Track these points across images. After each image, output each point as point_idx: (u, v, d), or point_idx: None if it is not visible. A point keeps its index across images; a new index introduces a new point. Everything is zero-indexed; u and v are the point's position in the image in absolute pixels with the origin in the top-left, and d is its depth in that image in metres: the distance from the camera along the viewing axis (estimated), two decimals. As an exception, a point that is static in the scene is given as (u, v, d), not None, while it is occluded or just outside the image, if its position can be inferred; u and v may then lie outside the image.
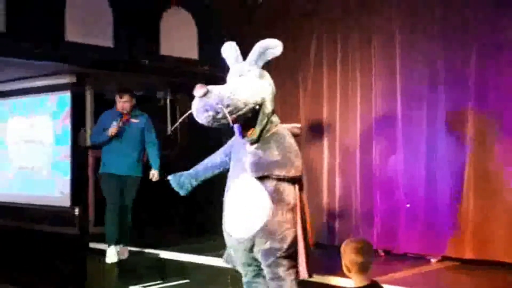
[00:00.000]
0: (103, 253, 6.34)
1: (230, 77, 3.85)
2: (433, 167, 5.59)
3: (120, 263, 5.84)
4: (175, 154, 7.91)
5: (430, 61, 5.64)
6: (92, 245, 6.67)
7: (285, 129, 3.84)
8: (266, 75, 3.89)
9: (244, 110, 3.58)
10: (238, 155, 3.85)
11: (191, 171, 4.05)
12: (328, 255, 6.09)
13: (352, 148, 6.22)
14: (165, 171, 8.01)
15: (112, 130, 5.84)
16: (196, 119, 3.58)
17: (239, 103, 3.55)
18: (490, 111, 5.28)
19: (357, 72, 6.20)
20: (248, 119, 3.68)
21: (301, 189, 3.86)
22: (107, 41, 6.59)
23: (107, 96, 8.62)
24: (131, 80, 7.74)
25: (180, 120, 3.96)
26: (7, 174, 8.43)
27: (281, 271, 3.74)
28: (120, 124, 5.86)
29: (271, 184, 3.70)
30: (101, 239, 6.68)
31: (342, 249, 2.93)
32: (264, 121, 3.74)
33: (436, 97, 5.58)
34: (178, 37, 7.25)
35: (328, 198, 6.41)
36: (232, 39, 4.00)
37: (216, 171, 4.01)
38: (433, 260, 5.55)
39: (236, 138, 3.89)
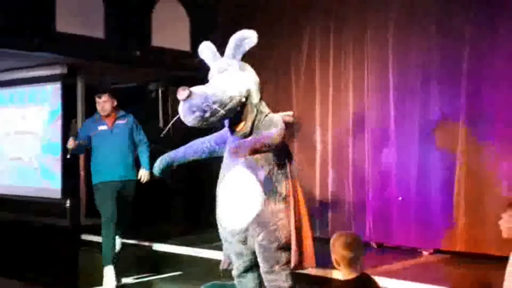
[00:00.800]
0: (95, 245, 6.32)
1: (211, 75, 3.82)
2: (425, 161, 5.61)
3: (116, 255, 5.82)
4: (169, 147, 7.88)
5: (423, 56, 5.65)
6: (84, 236, 6.66)
7: (276, 116, 3.82)
8: (247, 66, 3.86)
9: (231, 104, 3.56)
10: (230, 145, 3.80)
11: (172, 153, 4.06)
12: (321, 248, 6.13)
13: (345, 142, 6.23)
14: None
15: (70, 144, 5.32)
16: (185, 122, 3.54)
17: (224, 97, 3.52)
18: (483, 106, 5.30)
19: (350, 66, 6.21)
20: (237, 113, 3.67)
21: (293, 177, 3.82)
22: (98, 33, 6.55)
23: (99, 88, 8.59)
24: (122, 72, 7.70)
25: (169, 125, 3.95)
26: (1, 166, 8.39)
27: (275, 264, 3.75)
28: (73, 143, 5.32)
29: (262, 174, 3.71)
30: (93, 231, 6.67)
31: (331, 243, 2.96)
32: (254, 113, 3.73)
33: (428, 91, 5.60)
34: (170, 29, 7.21)
35: (321, 191, 6.43)
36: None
37: (202, 156, 4.01)
38: (425, 253, 5.59)
39: (229, 134, 3.89)
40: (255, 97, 3.77)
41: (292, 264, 3.73)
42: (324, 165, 6.41)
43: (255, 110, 3.74)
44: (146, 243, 6.18)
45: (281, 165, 3.75)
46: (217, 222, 3.87)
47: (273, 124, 3.70)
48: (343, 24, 6.26)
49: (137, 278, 5.53)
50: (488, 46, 5.26)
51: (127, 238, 6.35)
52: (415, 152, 5.68)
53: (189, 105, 3.48)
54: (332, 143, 6.35)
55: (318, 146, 6.46)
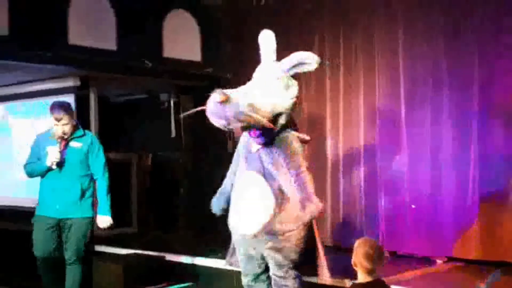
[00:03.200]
0: (109, 256, 6.34)
1: (258, 72, 3.85)
2: (438, 168, 5.57)
3: (126, 266, 5.82)
4: (180, 156, 7.92)
5: (433, 61, 5.63)
6: (98, 247, 6.68)
7: (293, 135, 3.85)
8: (293, 86, 3.83)
9: (257, 120, 3.58)
10: (246, 153, 3.89)
11: (224, 195, 4.09)
12: (332, 257, 6.10)
13: (356, 149, 6.20)
14: (162, 179, 8.04)
15: (52, 157, 4.51)
16: (209, 118, 3.58)
17: (252, 120, 3.55)
18: (495, 111, 5.26)
19: (360, 72, 6.19)
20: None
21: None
22: (110, 44, 6.59)
23: (111, 99, 8.66)
24: (134, 83, 7.75)
25: (192, 111, 3.91)
26: (13, 178, 8.44)
27: (285, 269, 3.74)
28: (61, 148, 4.58)
29: (277, 183, 3.73)
30: (107, 242, 6.69)
31: (355, 246, 3.02)
32: (275, 131, 3.75)
33: (440, 97, 5.57)
34: (181, 40, 7.25)
35: (332, 199, 6.40)
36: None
37: None
38: (439, 261, 5.54)
39: (246, 136, 3.89)
40: (284, 119, 3.78)
41: (320, 277, 3.76)
42: (335, 172, 6.39)
43: (278, 128, 3.76)
44: (159, 253, 6.18)
45: (296, 175, 3.76)
46: (229, 225, 3.93)
47: (289, 142, 3.76)
48: (353, 29, 6.25)
49: (149, 289, 5.54)
50: (500, 50, 5.23)
51: (139, 249, 6.37)
52: (427, 159, 5.65)
53: (220, 111, 3.48)
54: (343, 150, 6.33)
55: (329, 153, 6.44)
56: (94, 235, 7.29)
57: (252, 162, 3.82)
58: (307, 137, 3.96)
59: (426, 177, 5.64)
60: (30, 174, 4.84)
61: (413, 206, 5.70)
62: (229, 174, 4.11)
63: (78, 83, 7.41)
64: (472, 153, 5.36)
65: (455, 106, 5.48)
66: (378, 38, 6.04)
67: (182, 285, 5.65)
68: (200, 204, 7.64)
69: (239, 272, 4.15)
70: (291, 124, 3.89)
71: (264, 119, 3.58)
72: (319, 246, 3.81)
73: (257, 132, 3.71)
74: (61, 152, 4.57)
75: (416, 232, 5.68)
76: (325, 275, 3.77)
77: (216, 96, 3.47)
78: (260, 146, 3.81)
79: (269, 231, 3.71)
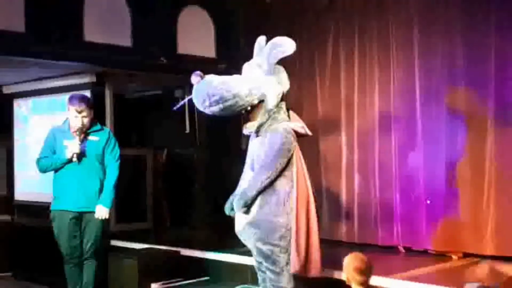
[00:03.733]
0: (124, 250, 6.39)
1: (243, 69, 4.01)
2: (454, 163, 5.54)
3: (141, 261, 5.87)
4: (195, 152, 7.94)
5: (449, 56, 5.59)
6: (114, 242, 6.73)
7: (285, 128, 3.83)
8: (280, 72, 3.90)
9: (232, 101, 3.70)
10: (249, 148, 4.02)
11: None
12: (346, 252, 6.09)
13: (371, 144, 6.19)
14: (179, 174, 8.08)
15: (72, 148, 4.54)
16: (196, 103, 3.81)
17: (226, 93, 3.67)
18: (511, 107, 5.22)
19: (375, 67, 6.17)
20: (250, 112, 3.82)
21: (299, 181, 3.82)
22: (126, 41, 6.63)
23: (126, 95, 8.70)
24: (149, 79, 7.79)
25: (182, 103, 4.21)
26: (28, 173, 8.52)
27: (276, 264, 3.75)
28: (81, 140, 4.60)
29: None
30: (122, 237, 6.74)
31: (344, 263, 3.21)
32: (265, 117, 3.81)
33: (456, 93, 5.53)
34: (196, 36, 7.27)
35: (347, 195, 6.39)
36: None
37: None
38: (454, 257, 5.51)
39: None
40: (270, 103, 3.81)
41: (292, 270, 3.74)
42: (350, 168, 6.38)
43: (266, 115, 3.79)
44: (173, 248, 6.22)
45: (284, 169, 3.79)
46: None
47: (274, 135, 3.78)
48: (367, 25, 6.22)
49: (164, 284, 5.57)
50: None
51: (154, 243, 6.41)
52: (442, 155, 5.61)
53: (195, 90, 3.73)
54: (358, 146, 6.31)
55: (344, 149, 6.43)
56: (111, 230, 7.40)
57: (248, 157, 3.95)
58: (303, 130, 3.92)
59: (442, 173, 5.61)
60: (44, 169, 4.83)
61: (428, 202, 5.68)
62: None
63: (93, 79, 7.47)
64: (488, 150, 5.31)
65: (471, 103, 5.44)
66: (394, 33, 6.01)
67: (197, 280, 5.67)
68: (215, 199, 7.70)
69: (253, 267, 4.18)
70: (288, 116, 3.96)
71: (241, 92, 3.68)
72: (300, 238, 3.77)
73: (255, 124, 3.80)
74: (81, 145, 4.59)
75: (431, 227, 5.66)
76: (293, 267, 3.76)
77: (192, 78, 3.72)
78: (258, 141, 3.87)
79: (253, 224, 3.78)
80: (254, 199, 3.72)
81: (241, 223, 3.86)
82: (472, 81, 5.45)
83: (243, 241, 3.99)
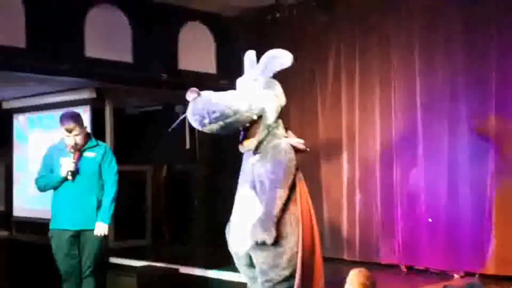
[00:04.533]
0: (123, 267, 6.33)
1: (238, 84, 3.85)
2: (455, 182, 5.51)
3: (140, 278, 5.80)
4: (195, 168, 7.92)
5: (450, 74, 5.59)
6: (112, 259, 6.67)
7: (287, 144, 3.73)
8: (275, 86, 3.80)
9: (233, 118, 3.54)
10: (244, 166, 3.84)
11: None
12: (348, 270, 6.04)
13: (372, 162, 6.16)
14: (185, 187, 8.08)
15: (66, 166, 4.47)
16: (191, 121, 3.64)
17: (227, 110, 3.51)
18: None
19: (376, 85, 6.16)
20: (248, 128, 3.65)
21: (302, 202, 3.73)
22: (126, 57, 6.64)
23: (127, 111, 8.69)
24: (149, 95, 7.78)
25: (177, 122, 3.98)
26: (27, 189, 8.49)
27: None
28: (75, 158, 4.51)
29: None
30: (121, 253, 6.69)
31: (349, 279, 3.12)
32: (264, 133, 3.67)
33: (457, 111, 5.52)
34: (197, 52, 7.28)
35: (348, 213, 6.35)
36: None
37: None
38: (456, 276, 5.46)
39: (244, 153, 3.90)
40: (270, 118, 3.69)
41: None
42: (351, 186, 6.34)
43: (266, 131, 3.67)
44: (172, 266, 6.16)
45: (270, 190, 3.64)
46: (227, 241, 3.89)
47: (277, 151, 3.65)
48: (368, 42, 6.22)
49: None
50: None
51: (153, 261, 6.36)
52: (444, 172, 5.59)
53: (193, 107, 3.54)
54: (359, 163, 6.28)
55: (345, 167, 6.40)
56: (109, 248, 7.35)
57: (246, 175, 3.76)
58: (302, 146, 3.82)
59: (443, 191, 5.58)
60: (43, 188, 4.77)
61: (430, 220, 5.64)
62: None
63: (93, 95, 7.47)
64: (489, 168, 5.29)
65: (473, 120, 5.42)
66: (395, 51, 6.01)
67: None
68: (215, 215, 7.66)
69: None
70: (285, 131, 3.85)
71: (241, 108, 3.55)
72: (315, 264, 3.70)
73: (242, 136, 3.68)
74: (75, 163, 4.53)
75: (433, 246, 5.62)
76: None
77: (188, 95, 3.54)
78: (256, 158, 3.72)
79: (260, 247, 3.61)
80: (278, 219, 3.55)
81: (244, 246, 3.69)
82: (473, 100, 5.43)
83: (243, 264, 3.80)
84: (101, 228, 4.61)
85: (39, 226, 7.77)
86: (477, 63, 5.42)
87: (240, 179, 3.86)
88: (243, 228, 3.69)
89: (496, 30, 5.30)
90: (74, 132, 4.54)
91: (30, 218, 8.28)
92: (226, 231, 3.96)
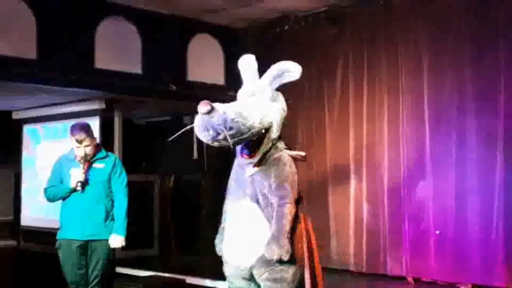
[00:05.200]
0: (129, 277, 6.34)
1: (242, 94, 3.72)
2: (463, 194, 5.51)
3: (146, 288, 5.83)
4: (202, 178, 7.93)
5: (458, 87, 5.60)
6: (119, 269, 6.68)
7: (288, 157, 3.67)
8: (280, 98, 3.74)
9: (247, 135, 3.44)
10: (239, 178, 3.71)
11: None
12: (356, 282, 6.03)
13: (380, 174, 6.16)
14: (192, 197, 8.10)
15: (76, 177, 4.45)
16: (197, 135, 3.45)
17: (242, 127, 3.40)
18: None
19: (384, 97, 6.18)
20: (252, 141, 3.55)
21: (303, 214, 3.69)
22: (136, 68, 6.69)
23: (135, 121, 8.74)
24: (158, 106, 7.83)
25: (179, 133, 3.82)
26: (35, 198, 8.55)
27: None
28: (85, 169, 4.49)
29: (271, 211, 3.56)
30: (128, 264, 6.70)
31: None
32: (268, 146, 3.61)
33: (465, 123, 5.52)
34: (205, 63, 7.33)
35: (356, 224, 6.34)
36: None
37: None
38: (463, 288, 5.45)
39: (238, 159, 3.75)
40: (275, 132, 3.63)
41: None
42: (359, 198, 6.34)
43: (270, 144, 3.62)
44: (179, 276, 6.17)
45: (278, 205, 3.55)
46: (223, 256, 3.75)
47: (282, 165, 3.60)
48: (377, 54, 6.25)
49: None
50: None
51: (159, 271, 6.36)
52: (451, 184, 5.59)
53: (206, 121, 3.34)
54: (367, 175, 6.29)
55: (352, 179, 6.41)
56: (116, 258, 7.35)
57: (246, 188, 3.64)
58: (302, 153, 3.77)
59: (451, 203, 5.57)
60: (52, 199, 4.73)
61: (437, 232, 5.63)
62: (225, 208, 3.88)
63: (103, 105, 7.52)
64: (497, 181, 5.29)
65: (480, 133, 5.43)
66: (403, 63, 6.03)
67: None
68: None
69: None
70: (284, 142, 3.75)
71: (255, 123, 3.44)
72: (317, 275, 3.66)
73: (247, 151, 3.58)
74: (85, 173, 4.51)
75: (440, 258, 5.60)
76: None
77: (201, 108, 3.34)
78: (255, 170, 3.64)
79: (265, 262, 3.53)
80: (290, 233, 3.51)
81: (246, 260, 3.61)
82: (481, 112, 5.44)
83: (241, 278, 3.68)
84: (118, 241, 4.57)
85: (46, 236, 7.82)
86: (485, 75, 5.43)
87: (235, 191, 3.73)
88: (245, 241, 3.62)
89: (504, 42, 5.32)
90: (85, 143, 4.51)
91: (37, 227, 8.31)
92: (217, 241, 3.90)
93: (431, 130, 5.76)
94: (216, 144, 3.45)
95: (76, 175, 4.52)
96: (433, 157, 5.73)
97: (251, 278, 3.66)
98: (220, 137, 3.37)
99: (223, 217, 3.88)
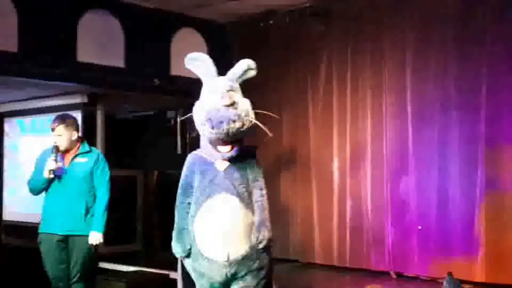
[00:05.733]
0: (113, 273, 6.31)
1: (220, 87, 3.65)
2: (445, 189, 5.56)
3: (130, 283, 5.78)
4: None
5: (441, 83, 5.64)
6: (102, 264, 6.65)
7: (253, 149, 3.82)
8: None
9: (245, 129, 3.53)
10: (208, 174, 3.69)
11: (184, 232, 3.84)
12: (339, 277, 6.06)
13: (363, 170, 6.19)
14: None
15: (48, 166, 4.40)
16: (212, 127, 3.46)
17: (246, 123, 3.52)
18: (503, 132, 5.26)
19: (368, 94, 6.20)
20: (235, 135, 3.55)
21: None
22: (119, 62, 6.63)
23: (118, 116, 8.68)
24: (141, 100, 7.78)
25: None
26: (20, 193, 8.46)
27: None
28: (58, 159, 4.46)
29: (250, 202, 3.66)
30: (112, 259, 6.66)
31: None
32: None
33: (447, 119, 5.57)
34: (189, 58, 7.28)
35: (339, 220, 6.37)
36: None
37: None
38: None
39: (197, 156, 3.78)
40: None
41: None
42: (342, 194, 6.36)
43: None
44: (163, 271, 6.15)
45: (260, 195, 3.71)
46: (198, 255, 3.68)
47: (252, 156, 3.76)
48: (360, 51, 6.27)
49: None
50: (508, 73, 5.24)
51: (144, 266, 6.34)
52: (434, 180, 5.63)
53: (234, 113, 3.44)
54: (350, 170, 6.31)
55: (336, 174, 6.43)
56: (99, 253, 7.31)
57: (221, 182, 3.65)
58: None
59: (433, 199, 5.62)
60: (34, 190, 4.71)
61: (419, 227, 5.67)
62: (182, 207, 3.88)
63: (85, 99, 7.46)
64: (479, 176, 5.33)
65: (463, 130, 5.48)
66: (387, 60, 6.05)
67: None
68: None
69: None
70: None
71: (252, 120, 3.57)
72: None
73: (235, 147, 3.62)
74: (56, 161, 4.46)
75: (422, 253, 5.65)
76: None
77: (226, 100, 3.45)
78: (227, 164, 3.67)
79: (256, 251, 3.65)
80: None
81: (235, 254, 3.61)
82: (463, 107, 5.48)
83: (220, 275, 3.66)
84: (95, 237, 4.54)
85: (29, 230, 7.73)
86: (469, 72, 5.47)
87: (207, 189, 3.67)
88: (232, 234, 3.60)
89: (490, 39, 5.35)
90: (57, 132, 4.52)
91: (20, 222, 8.23)
92: (178, 244, 3.86)
93: (414, 126, 5.80)
94: (221, 136, 3.49)
95: (49, 163, 4.47)
96: (416, 153, 5.77)
97: (231, 275, 3.65)
98: (231, 130, 3.46)
99: (186, 219, 3.83)
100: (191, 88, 7.34)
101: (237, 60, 3.99)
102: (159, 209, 8.06)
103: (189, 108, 8.87)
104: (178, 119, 8.29)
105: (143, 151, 8.35)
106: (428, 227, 5.64)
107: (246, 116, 3.50)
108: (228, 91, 3.62)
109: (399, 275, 5.84)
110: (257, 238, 3.62)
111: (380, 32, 6.13)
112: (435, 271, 5.57)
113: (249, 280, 3.68)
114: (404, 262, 5.80)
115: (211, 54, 7.29)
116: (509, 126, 5.23)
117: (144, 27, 6.78)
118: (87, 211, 4.59)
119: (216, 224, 3.63)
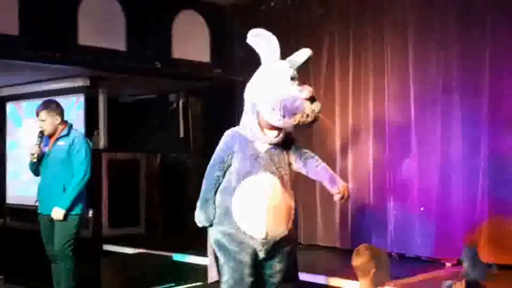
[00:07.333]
0: (116, 255, 6.36)
1: (291, 76, 3.68)
2: (448, 171, 5.56)
3: (133, 265, 5.83)
4: (189, 157, 7.93)
5: (444, 65, 5.61)
6: (106, 247, 6.70)
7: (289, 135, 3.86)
8: None
9: (307, 124, 3.65)
10: (249, 153, 3.69)
11: (211, 202, 3.85)
12: (341, 258, 6.09)
13: (365, 152, 6.19)
14: (174, 177, 8.07)
15: (31, 151, 4.76)
16: (284, 116, 3.50)
17: (318, 117, 3.66)
18: (506, 114, 5.24)
19: (370, 76, 6.18)
20: None
21: None
22: (120, 45, 6.62)
23: (120, 99, 8.68)
24: (143, 83, 7.77)
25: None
26: (21, 176, 8.49)
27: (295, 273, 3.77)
28: (44, 143, 4.77)
29: (290, 184, 3.76)
30: (115, 241, 6.71)
31: (356, 253, 3.15)
32: None
33: (450, 101, 5.55)
34: (191, 41, 7.26)
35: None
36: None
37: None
38: (448, 264, 5.51)
39: (236, 135, 3.77)
40: None
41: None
42: (344, 175, 6.35)
43: None
44: (166, 253, 6.19)
45: (317, 160, 3.92)
46: (237, 231, 3.66)
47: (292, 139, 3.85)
48: (362, 33, 6.23)
49: (157, 289, 5.55)
50: (510, 54, 5.21)
51: (147, 248, 6.38)
52: (436, 162, 5.63)
53: (309, 107, 3.53)
54: (352, 152, 6.31)
55: (338, 156, 6.43)
56: (104, 235, 7.37)
57: (263, 163, 3.67)
58: None
59: (435, 181, 5.62)
60: (32, 172, 5.03)
61: (422, 209, 5.68)
62: (210, 177, 3.86)
63: (87, 83, 7.45)
64: (482, 158, 5.33)
65: (465, 111, 5.46)
66: (389, 41, 6.02)
67: (190, 285, 5.65)
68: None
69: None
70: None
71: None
72: None
73: (281, 133, 3.71)
74: (39, 146, 4.74)
75: (425, 234, 5.67)
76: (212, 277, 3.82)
77: (305, 93, 3.50)
78: (268, 147, 3.71)
79: (291, 235, 3.75)
80: None
81: (276, 233, 3.64)
82: (466, 91, 5.46)
83: (254, 253, 3.66)
84: (55, 213, 4.72)
85: (32, 213, 7.78)
86: (471, 54, 5.44)
87: (249, 166, 3.67)
88: (277, 215, 3.63)
89: (491, 23, 5.31)
90: (40, 117, 4.79)
91: (23, 205, 8.27)
92: (203, 209, 3.88)
93: (416, 108, 5.78)
94: (287, 125, 3.57)
95: (30, 148, 4.82)
96: (418, 134, 5.76)
97: (268, 252, 3.68)
98: (301, 123, 3.55)
99: (212, 191, 3.84)
100: (193, 71, 7.37)
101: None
102: (162, 192, 8.09)
103: (190, 92, 8.95)
104: (180, 102, 8.30)
105: (146, 134, 8.37)
106: (430, 209, 5.65)
107: (319, 112, 3.57)
108: (292, 78, 3.66)
109: (401, 256, 5.86)
110: (337, 188, 3.79)
111: (382, 15, 6.08)
112: (437, 252, 5.59)
113: (282, 262, 3.76)
114: (406, 243, 5.82)
115: (213, 36, 7.40)
116: (511, 110, 5.21)
117: (145, 10, 6.76)
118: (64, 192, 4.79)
119: (260, 201, 3.62)
